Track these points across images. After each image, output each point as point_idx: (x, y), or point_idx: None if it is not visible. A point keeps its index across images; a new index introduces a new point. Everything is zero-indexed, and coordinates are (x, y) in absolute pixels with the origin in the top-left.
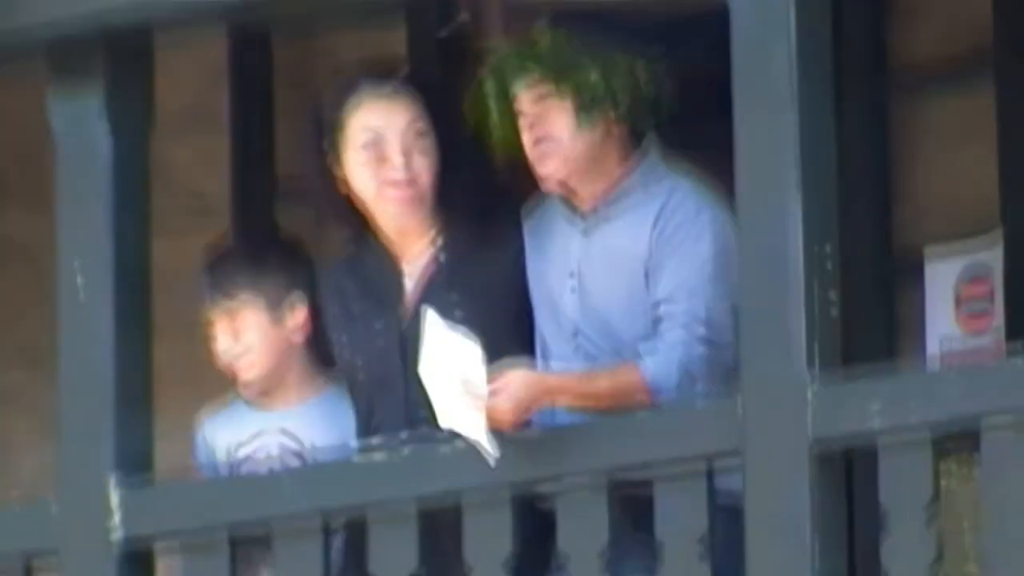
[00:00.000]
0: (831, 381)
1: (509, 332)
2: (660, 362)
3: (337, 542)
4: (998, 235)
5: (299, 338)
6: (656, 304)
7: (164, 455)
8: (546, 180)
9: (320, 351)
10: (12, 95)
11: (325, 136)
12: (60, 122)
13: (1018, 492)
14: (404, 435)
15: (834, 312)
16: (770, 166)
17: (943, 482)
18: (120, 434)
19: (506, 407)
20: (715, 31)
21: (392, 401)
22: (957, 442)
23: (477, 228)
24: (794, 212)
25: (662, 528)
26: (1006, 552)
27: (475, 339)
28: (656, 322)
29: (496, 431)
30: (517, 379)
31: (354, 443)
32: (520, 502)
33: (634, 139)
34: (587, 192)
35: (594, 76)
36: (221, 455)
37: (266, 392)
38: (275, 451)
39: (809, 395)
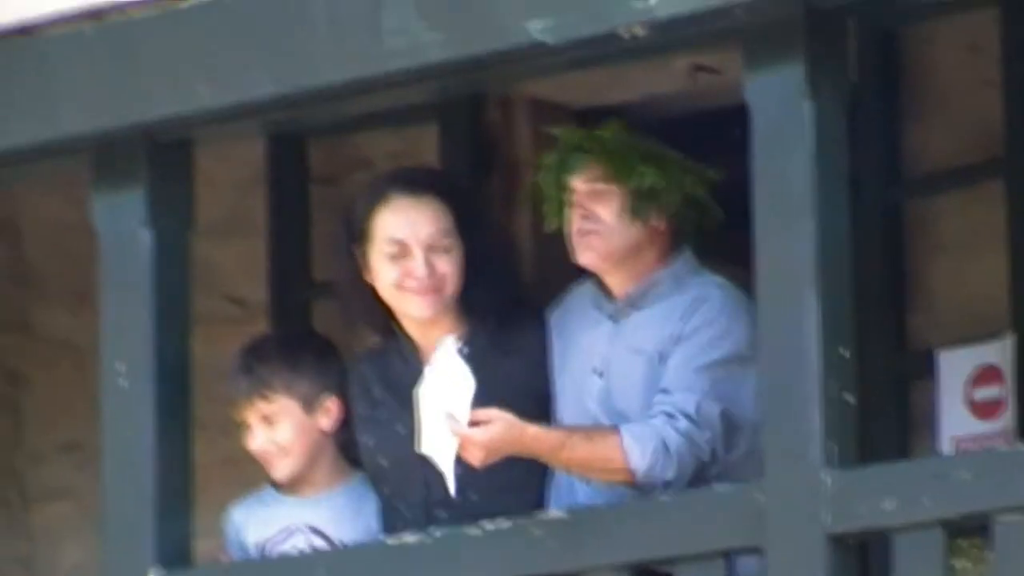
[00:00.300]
0: (848, 476)
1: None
2: (639, 435)
3: None
4: (1009, 340)
5: (329, 430)
6: (653, 392)
7: (203, 552)
8: (585, 266)
9: (347, 441)
10: (57, 198)
11: (354, 238)
12: (103, 223)
13: None
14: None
15: (850, 412)
16: (789, 269)
17: (957, 562)
18: (161, 529)
19: (479, 440)
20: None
21: (412, 503)
22: (970, 530)
23: (499, 332)
24: (812, 314)
25: None
26: None
27: (473, 380)
28: (646, 404)
29: (463, 462)
30: (499, 420)
31: (382, 537)
32: None
33: (675, 241)
34: (620, 281)
35: (649, 174)
36: (251, 551)
37: (296, 481)
38: (306, 548)
39: (826, 489)
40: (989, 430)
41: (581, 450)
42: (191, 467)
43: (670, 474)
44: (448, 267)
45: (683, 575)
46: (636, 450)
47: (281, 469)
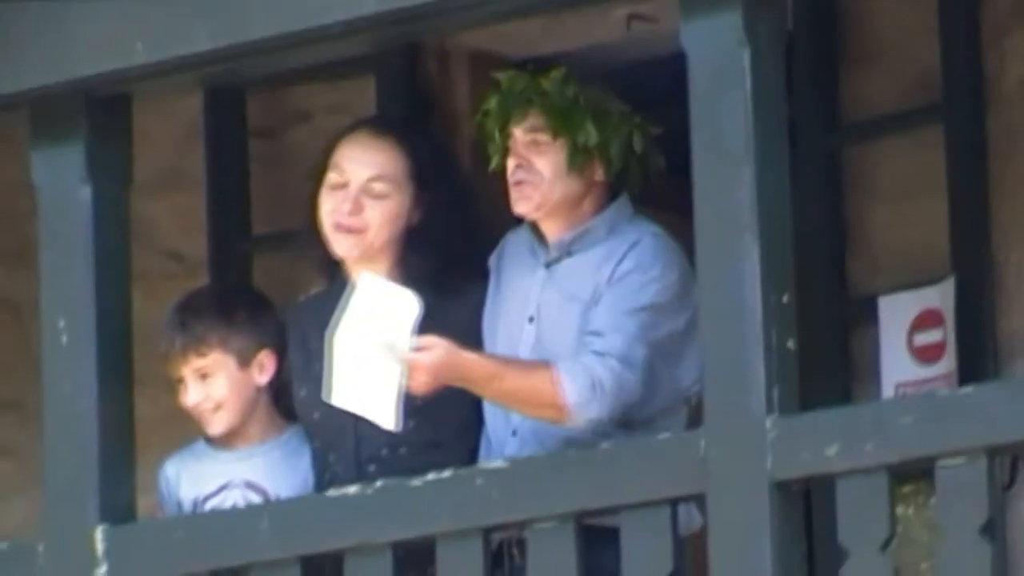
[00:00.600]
0: (790, 423)
1: (453, 395)
2: (573, 372)
3: None
4: (950, 283)
5: (264, 384)
6: (583, 334)
7: (143, 509)
8: (520, 216)
9: (284, 394)
10: None
11: (314, 174)
12: (42, 179)
13: (972, 522)
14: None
15: (792, 358)
16: (728, 216)
17: (900, 509)
18: (104, 486)
19: (425, 364)
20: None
21: (344, 457)
22: (913, 476)
23: (440, 282)
24: (752, 261)
25: (628, 566)
26: None
27: (416, 296)
28: (581, 345)
29: (408, 392)
30: (438, 346)
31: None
32: (490, 545)
33: (613, 190)
34: (555, 229)
35: (591, 130)
36: (187, 507)
37: (231, 436)
38: (241, 504)
39: (769, 437)
40: (931, 374)
41: (515, 380)
42: (133, 423)
43: (601, 412)
44: (378, 214)
45: (628, 523)
46: (569, 385)
47: (216, 424)
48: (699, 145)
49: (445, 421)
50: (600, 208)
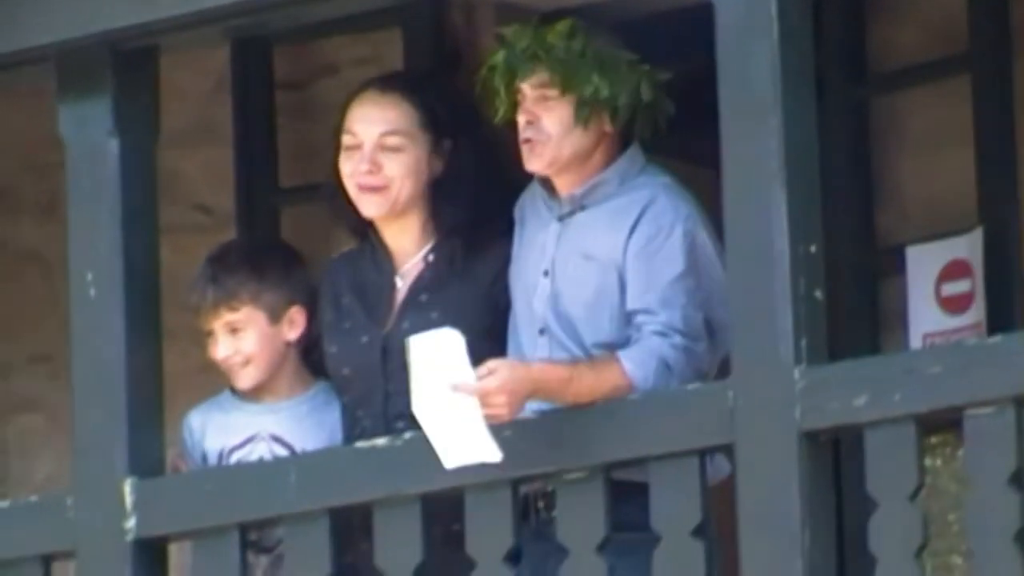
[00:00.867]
0: (818, 373)
1: (483, 350)
2: (640, 359)
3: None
4: (977, 234)
5: (294, 340)
6: (632, 314)
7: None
8: (532, 172)
9: (313, 349)
10: (22, 107)
11: (334, 135)
12: (69, 133)
13: (1000, 474)
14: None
15: (820, 309)
16: (755, 168)
17: (928, 460)
18: (133, 439)
19: (495, 387)
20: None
21: (373, 414)
22: (941, 426)
23: (468, 238)
24: (779, 212)
25: (657, 517)
26: (990, 539)
27: (457, 331)
28: (634, 330)
29: (494, 426)
30: (501, 367)
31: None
32: (518, 497)
33: (624, 141)
34: (568, 183)
35: (598, 80)
36: (212, 458)
37: (258, 389)
38: (268, 457)
39: (797, 387)
40: (959, 324)
41: (587, 380)
42: (161, 376)
43: (676, 382)
44: (397, 168)
45: (656, 474)
46: (639, 374)
47: (245, 378)
48: (726, 95)
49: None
50: (611, 159)
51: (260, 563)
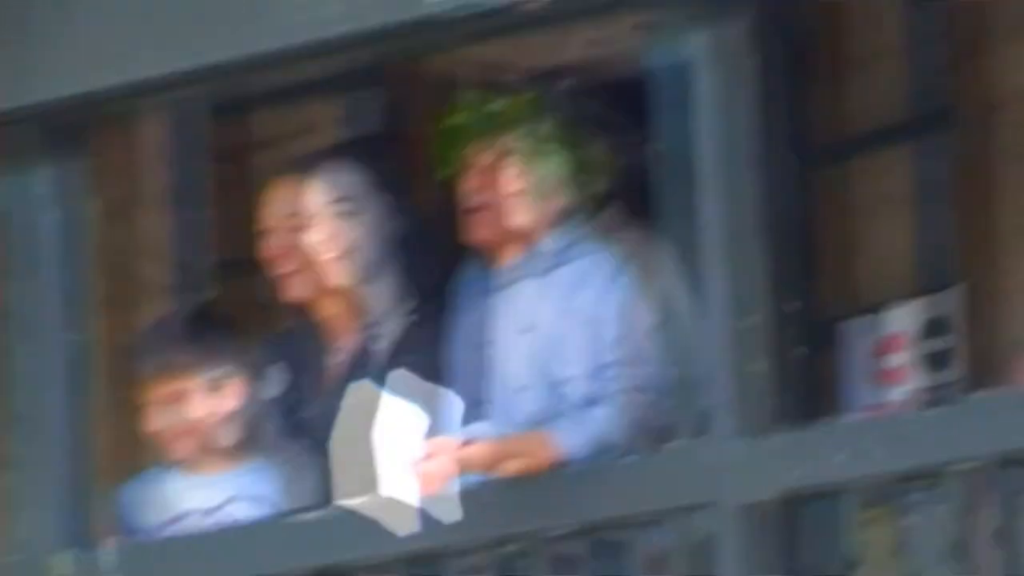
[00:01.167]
0: (759, 442)
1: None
2: (574, 433)
3: None
4: (916, 304)
5: (233, 409)
6: (569, 380)
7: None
8: (474, 242)
9: (250, 421)
10: None
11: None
12: (6, 204)
13: (939, 542)
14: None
15: (761, 377)
16: (700, 234)
17: (867, 533)
18: (65, 512)
19: (435, 473)
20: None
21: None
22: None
23: (409, 312)
24: (723, 279)
25: None
26: None
27: (425, 414)
28: (581, 389)
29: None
30: (439, 451)
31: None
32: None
33: (567, 211)
34: (508, 252)
35: (560, 156)
36: (146, 533)
37: (196, 460)
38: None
39: (739, 456)
40: (898, 395)
41: (519, 459)
42: (97, 449)
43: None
44: (317, 238)
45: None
46: (569, 447)
47: (184, 447)
48: (667, 163)
49: None
50: (553, 226)
51: None
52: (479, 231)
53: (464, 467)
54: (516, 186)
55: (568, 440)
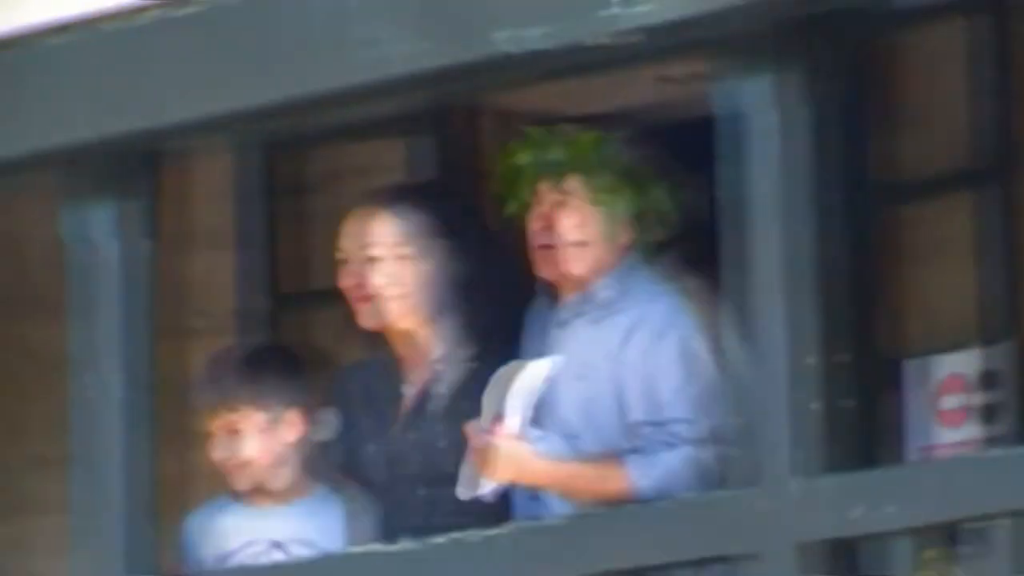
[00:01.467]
0: (814, 485)
1: None
2: (645, 469)
3: None
4: (972, 352)
5: (293, 442)
6: (636, 425)
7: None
8: (543, 278)
9: (317, 454)
10: (39, 208)
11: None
12: (71, 236)
13: None
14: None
15: (817, 420)
16: (756, 279)
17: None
18: (129, 541)
19: (493, 465)
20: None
21: (404, 520)
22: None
23: (479, 347)
24: (779, 324)
25: None
26: None
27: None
28: (641, 441)
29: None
30: (513, 448)
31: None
32: None
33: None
34: (571, 288)
35: (629, 195)
36: (209, 563)
37: (258, 493)
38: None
39: (792, 499)
40: (956, 438)
41: (587, 487)
42: (164, 479)
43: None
44: (381, 279)
45: None
46: (643, 484)
47: (243, 480)
48: (727, 204)
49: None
50: (616, 263)
51: None
52: (544, 269)
53: (527, 477)
54: (574, 236)
55: (639, 476)
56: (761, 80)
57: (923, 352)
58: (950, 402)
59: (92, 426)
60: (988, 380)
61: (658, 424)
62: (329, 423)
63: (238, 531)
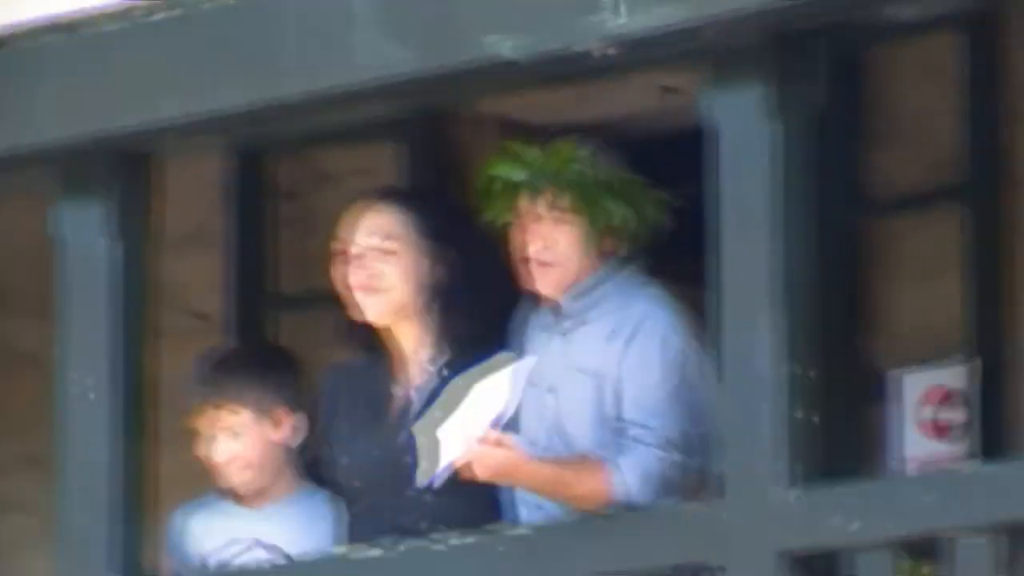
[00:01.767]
0: (791, 496)
1: None
2: (628, 470)
3: None
4: (963, 363)
5: (284, 442)
6: (626, 425)
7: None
8: (540, 294)
9: (307, 454)
10: (23, 206)
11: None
12: (65, 234)
13: None
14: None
15: (796, 431)
16: (751, 291)
17: None
18: (115, 540)
19: (485, 463)
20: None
21: (382, 525)
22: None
23: (473, 349)
24: (775, 336)
25: None
26: None
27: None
28: (627, 440)
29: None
30: (501, 453)
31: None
32: None
33: (619, 254)
34: (564, 298)
35: (611, 205)
36: (194, 559)
37: (247, 492)
38: (251, 563)
39: (786, 510)
40: (943, 451)
41: (571, 485)
42: (149, 478)
43: (649, 499)
44: (391, 270)
45: None
46: (622, 488)
47: (233, 479)
48: (725, 216)
49: (491, 504)
50: (607, 274)
51: None
52: (544, 284)
53: (516, 479)
54: (544, 256)
55: (618, 478)
56: (747, 93)
57: (905, 364)
58: (932, 414)
59: (76, 425)
60: (969, 393)
61: (640, 427)
62: (299, 428)
63: (223, 529)
